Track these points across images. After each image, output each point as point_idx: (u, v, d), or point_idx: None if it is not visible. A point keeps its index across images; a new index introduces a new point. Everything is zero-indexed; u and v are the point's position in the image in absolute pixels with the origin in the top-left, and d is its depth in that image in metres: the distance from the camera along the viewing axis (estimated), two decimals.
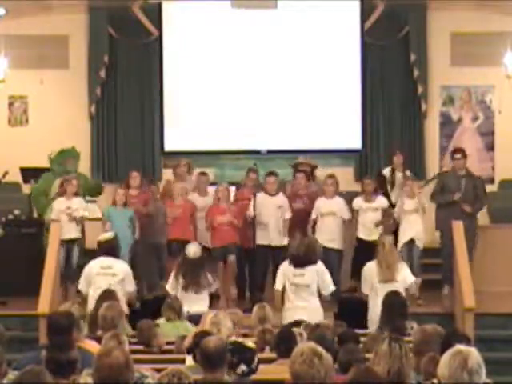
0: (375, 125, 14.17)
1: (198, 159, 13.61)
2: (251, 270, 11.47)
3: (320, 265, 9.17)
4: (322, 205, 11.25)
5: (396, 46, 14.13)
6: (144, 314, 8.71)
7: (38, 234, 11.66)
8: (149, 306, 9.29)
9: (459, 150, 11.67)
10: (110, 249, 9.67)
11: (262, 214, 11.21)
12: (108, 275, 9.35)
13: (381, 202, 11.45)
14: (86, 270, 9.61)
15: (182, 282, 9.61)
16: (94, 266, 9.58)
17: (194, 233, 11.23)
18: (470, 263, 10.47)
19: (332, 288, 9.22)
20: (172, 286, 9.72)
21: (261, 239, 11.18)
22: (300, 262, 9.06)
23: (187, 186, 11.69)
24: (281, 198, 11.33)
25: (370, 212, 11.33)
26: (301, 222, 11.29)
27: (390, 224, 11.33)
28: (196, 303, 9.48)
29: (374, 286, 9.34)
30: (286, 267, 9.22)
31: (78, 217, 11.16)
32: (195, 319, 8.18)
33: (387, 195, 11.75)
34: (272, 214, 11.23)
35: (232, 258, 11.04)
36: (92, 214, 11.69)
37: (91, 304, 8.78)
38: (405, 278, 9.43)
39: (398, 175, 11.97)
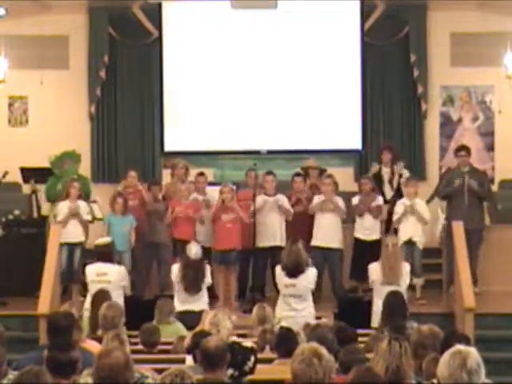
0: (375, 125, 14.17)
1: (197, 159, 13.62)
2: (252, 271, 11.47)
3: (311, 271, 9.15)
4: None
5: (396, 46, 14.12)
6: (143, 314, 8.73)
7: (38, 234, 11.67)
8: (148, 306, 9.26)
9: (463, 148, 11.71)
10: (106, 254, 9.70)
11: (263, 216, 11.19)
12: (103, 282, 9.34)
13: (378, 201, 11.44)
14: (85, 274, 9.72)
15: (184, 283, 9.64)
16: (90, 273, 9.65)
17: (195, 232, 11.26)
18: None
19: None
20: (175, 285, 9.77)
21: (262, 241, 11.16)
22: (292, 272, 9.02)
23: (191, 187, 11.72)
24: (280, 197, 11.31)
25: (367, 212, 11.31)
26: (302, 225, 11.25)
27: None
28: (196, 302, 9.56)
29: (376, 287, 9.39)
30: (280, 275, 9.15)
31: (84, 221, 11.22)
32: (196, 318, 8.19)
33: (382, 192, 11.81)
34: (272, 214, 11.21)
35: (232, 268, 11.06)
36: (96, 214, 11.70)
37: (87, 310, 8.77)
38: (405, 281, 9.45)
39: (385, 171, 12.04)
